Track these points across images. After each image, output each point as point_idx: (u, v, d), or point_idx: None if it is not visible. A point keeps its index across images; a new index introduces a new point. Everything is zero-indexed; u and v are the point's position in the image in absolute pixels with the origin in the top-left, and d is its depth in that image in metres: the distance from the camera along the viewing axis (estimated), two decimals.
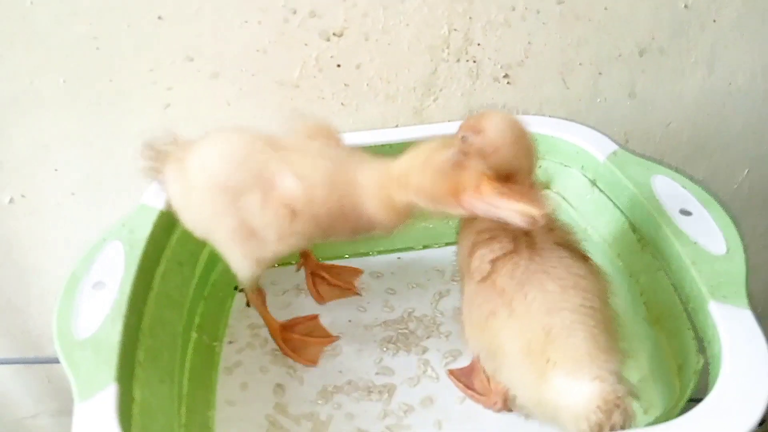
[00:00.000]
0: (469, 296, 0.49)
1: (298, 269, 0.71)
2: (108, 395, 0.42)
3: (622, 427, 0.39)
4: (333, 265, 0.71)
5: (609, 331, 0.43)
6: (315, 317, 0.65)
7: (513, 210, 0.42)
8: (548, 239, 0.47)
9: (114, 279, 0.51)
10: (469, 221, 0.52)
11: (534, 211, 0.41)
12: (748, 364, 0.42)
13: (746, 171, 0.91)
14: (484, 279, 0.47)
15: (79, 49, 0.69)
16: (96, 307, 0.48)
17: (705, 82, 0.81)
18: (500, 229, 0.47)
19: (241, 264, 0.56)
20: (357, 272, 0.71)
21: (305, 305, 0.68)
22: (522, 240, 0.47)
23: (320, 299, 0.68)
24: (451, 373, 0.59)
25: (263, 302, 0.62)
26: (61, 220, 0.83)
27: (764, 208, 0.95)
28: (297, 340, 0.62)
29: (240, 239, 0.53)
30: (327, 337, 0.63)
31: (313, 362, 0.61)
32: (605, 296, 0.45)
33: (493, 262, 0.47)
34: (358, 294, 0.68)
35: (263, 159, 0.52)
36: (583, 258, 0.47)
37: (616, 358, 0.42)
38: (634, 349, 0.57)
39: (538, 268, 0.45)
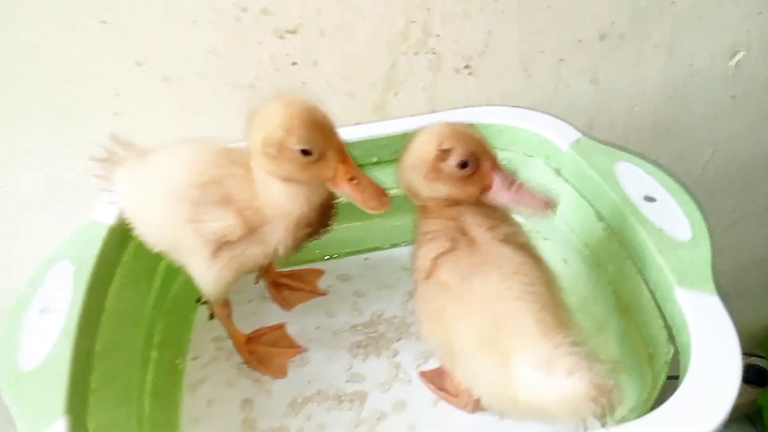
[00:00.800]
0: (420, 294, 0.49)
1: (257, 281, 0.69)
2: (57, 430, 0.40)
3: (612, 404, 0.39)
4: (292, 271, 0.69)
5: (557, 311, 0.43)
6: (281, 326, 0.63)
7: (357, 201, 0.48)
8: (488, 236, 0.47)
9: (62, 302, 0.48)
10: (420, 222, 0.52)
11: (371, 205, 0.48)
12: (717, 352, 0.41)
13: (711, 152, 0.92)
14: (428, 277, 0.47)
15: (19, 57, 0.66)
16: (43, 335, 0.46)
17: (666, 65, 0.81)
18: (441, 230, 0.48)
19: (207, 277, 0.53)
20: (318, 273, 0.70)
21: (272, 313, 0.66)
22: (462, 239, 0.47)
23: (286, 306, 0.66)
24: (423, 375, 0.58)
25: (229, 315, 0.60)
26: (10, 238, 0.80)
27: (730, 188, 0.96)
28: (263, 352, 0.60)
29: (204, 251, 0.51)
30: (294, 348, 0.61)
31: (282, 374, 0.59)
32: (549, 281, 0.45)
33: (435, 260, 0.47)
34: (322, 294, 0.67)
35: (220, 174, 0.51)
36: (525, 248, 0.47)
37: (569, 334, 0.41)
38: (604, 339, 0.57)
39: (479, 261, 0.45)
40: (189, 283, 0.65)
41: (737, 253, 1.07)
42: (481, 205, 0.48)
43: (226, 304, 0.59)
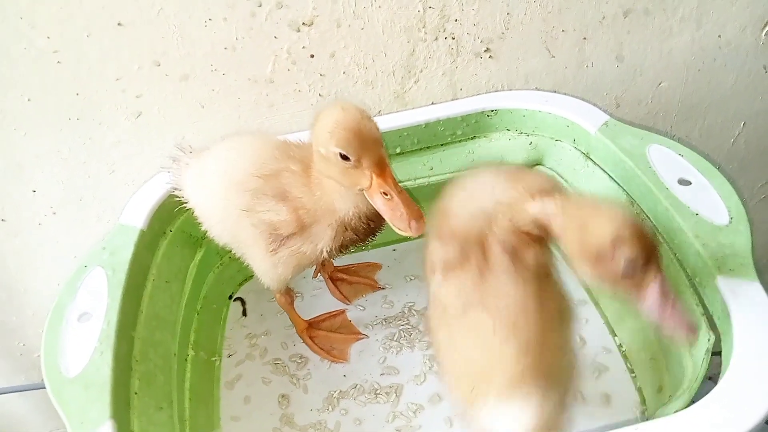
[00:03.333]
0: (429, 302, 0.47)
1: (315, 276, 0.70)
2: None
3: None
4: (350, 265, 0.70)
5: (547, 364, 0.40)
6: (342, 312, 0.64)
7: (386, 217, 0.47)
8: (503, 259, 0.43)
9: (99, 308, 0.49)
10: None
11: (399, 225, 0.46)
12: (762, 341, 0.40)
13: (742, 125, 0.89)
14: (435, 296, 0.46)
15: (40, 64, 0.66)
16: (83, 341, 0.46)
17: (693, 38, 0.78)
18: (451, 236, 0.45)
19: (263, 268, 0.55)
20: (375, 267, 0.70)
21: (315, 308, 0.66)
22: (473, 255, 0.43)
23: (345, 300, 0.67)
24: None
25: (291, 303, 0.62)
26: (45, 240, 0.81)
27: (761, 161, 0.93)
28: (324, 337, 0.61)
29: (260, 243, 0.53)
30: (355, 334, 0.62)
31: (343, 359, 0.60)
32: (554, 323, 0.42)
33: (443, 267, 0.45)
34: (381, 288, 0.67)
35: (279, 168, 0.52)
36: (545, 275, 0.43)
37: (545, 387, 0.40)
38: (640, 327, 0.56)
39: (482, 296, 0.42)
40: (219, 283, 0.66)
41: None
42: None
43: (288, 292, 0.61)
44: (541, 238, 0.44)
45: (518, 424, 0.39)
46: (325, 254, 0.53)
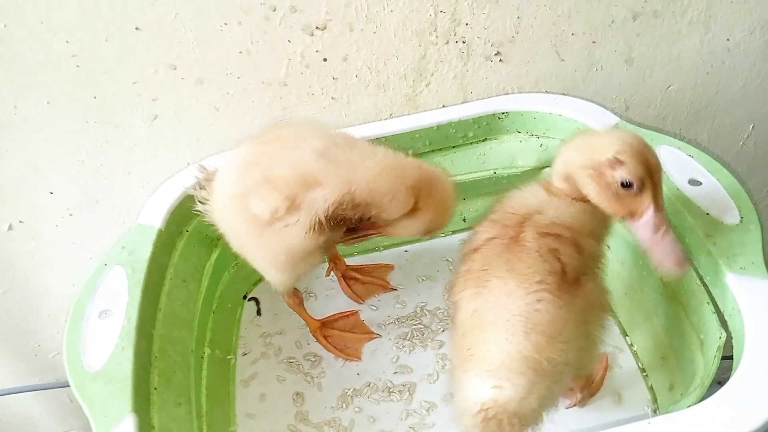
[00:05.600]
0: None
1: (328, 274, 0.70)
2: (126, 427, 0.42)
3: None
4: (363, 265, 0.70)
5: (546, 358, 0.41)
6: (355, 313, 0.65)
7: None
8: (536, 243, 0.43)
9: (119, 305, 0.50)
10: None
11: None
12: None
13: (751, 127, 0.89)
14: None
15: (59, 68, 0.67)
16: (104, 337, 0.47)
17: (702, 41, 0.79)
18: (506, 215, 0.47)
19: (268, 268, 0.55)
20: (388, 268, 0.71)
21: (328, 308, 0.67)
22: (511, 231, 0.45)
23: (358, 300, 0.67)
24: None
25: (300, 303, 0.62)
26: (61, 241, 0.82)
27: None
28: (337, 336, 0.62)
29: (258, 243, 0.53)
30: (368, 333, 0.63)
31: (357, 357, 0.61)
32: (573, 321, 0.42)
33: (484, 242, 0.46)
34: (393, 289, 0.68)
35: (267, 165, 0.52)
36: (573, 281, 0.43)
37: (533, 382, 0.41)
38: (652, 326, 0.57)
39: (501, 263, 0.44)
40: (235, 282, 0.67)
41: None
42: (592, 216, 0.46)
43: (295, 293, 0.61)
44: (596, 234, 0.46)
45: (479, 408, 0.41)
46: (319, 240, 0.52)
